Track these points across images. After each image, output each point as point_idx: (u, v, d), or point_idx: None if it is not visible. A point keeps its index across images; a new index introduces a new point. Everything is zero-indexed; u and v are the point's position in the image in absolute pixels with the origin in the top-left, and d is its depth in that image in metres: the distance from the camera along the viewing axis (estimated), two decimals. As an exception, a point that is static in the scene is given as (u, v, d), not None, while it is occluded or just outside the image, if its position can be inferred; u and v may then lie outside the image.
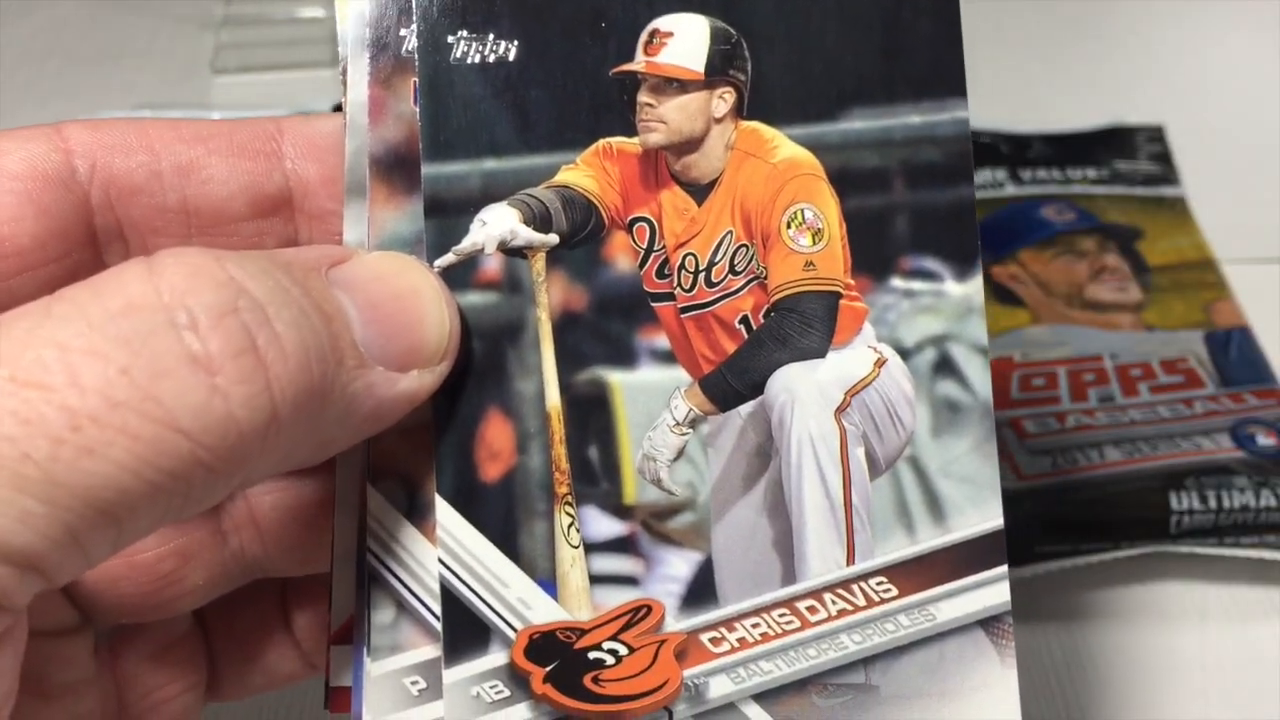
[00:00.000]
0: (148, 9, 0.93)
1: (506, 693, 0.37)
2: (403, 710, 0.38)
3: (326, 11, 0.94)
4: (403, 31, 0.39)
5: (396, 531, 0.38)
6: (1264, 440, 0.63)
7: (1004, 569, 0.37)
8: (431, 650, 0.38)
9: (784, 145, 0.38)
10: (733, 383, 0.38)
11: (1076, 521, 0.61)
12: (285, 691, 0.55)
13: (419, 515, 0.38)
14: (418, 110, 0.38)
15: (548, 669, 0.37)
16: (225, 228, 0.41)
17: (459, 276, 0.38)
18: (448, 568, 0.37)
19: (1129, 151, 0.80)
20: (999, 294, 0.72)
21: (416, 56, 0.38)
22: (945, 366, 0.39)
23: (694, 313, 0.39)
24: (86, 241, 0.40)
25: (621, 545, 0.38)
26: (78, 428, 0.29)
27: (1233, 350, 0.69)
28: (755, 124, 0.39)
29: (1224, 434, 0.63)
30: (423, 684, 0.38)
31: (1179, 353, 0.68)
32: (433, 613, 0.38)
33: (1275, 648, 0.59)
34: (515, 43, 0.38)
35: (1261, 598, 0.61)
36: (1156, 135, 0.81)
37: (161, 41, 0.92)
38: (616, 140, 0.38)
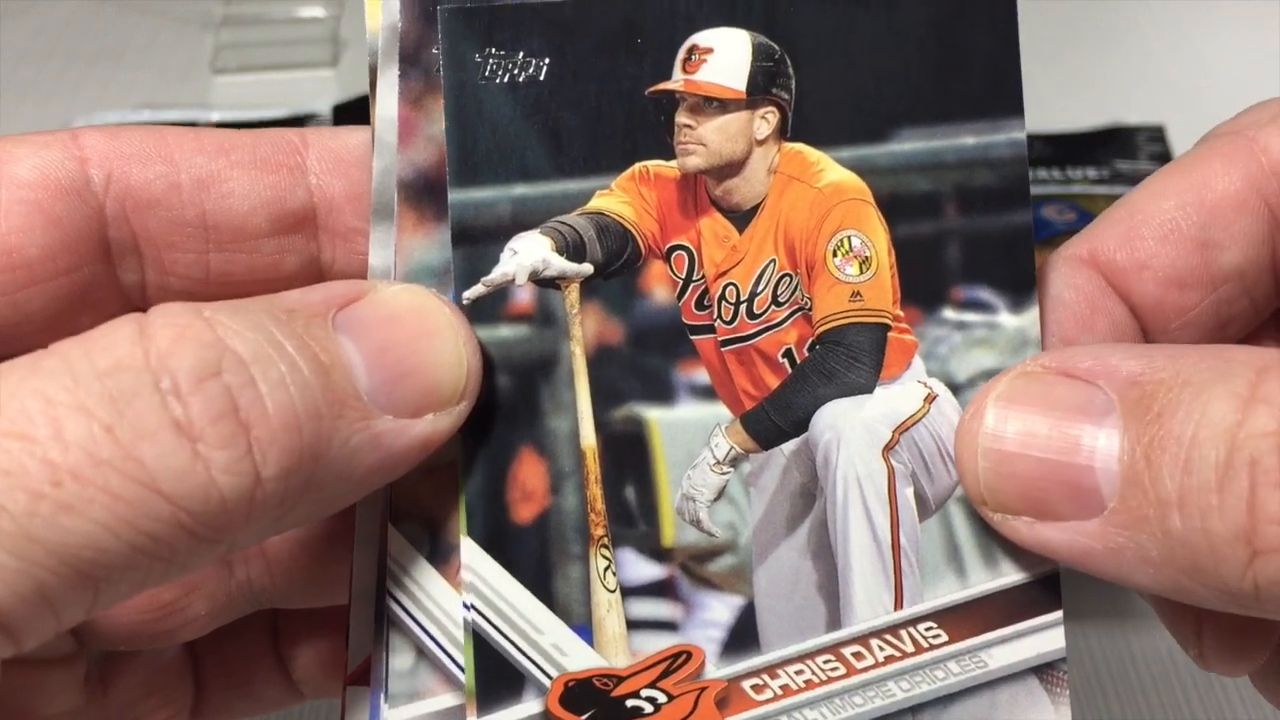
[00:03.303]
0: (148, 9, 0.93)
1: (544, 741, 0.35)
2: None
3: (326, 11, 0.94)
4: (435, 49, 0.37)
5: (418, 574, 0.37)
6: None
7: (1059, 614, 0.36)
8: (452, 699, 0.37)
9: (830, 168, 0.37)
10: (776, 420, 0.37)
11: None
12: None
13: (441, 558, 0.37)
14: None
15: (584, 717, 0.35)
16: (245, 244, 0.39)
17: (489, 308, 0.36)
18: (479, 613, 0.36)
19: (1129, 151, 0.79)
20: None
21: (440, 75, 0.37)
22: (998, 402, 0.37)
23: (735, 346, 0.37)
24: (99, 255, 0.38)
25: (660, 589, 0.36)
26: (58, 483, 0.28)
27: None
28: (799, 146, 0.37)
29: None
30: None
31: None
32: (454, 660, 0.36)
33: None
34: (546, 61, 0.37)
35: None
36: (1157, 135, 0.80)
37: (161, 41, 0.91)
38: (653, 164, 0.37)
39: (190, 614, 0.42)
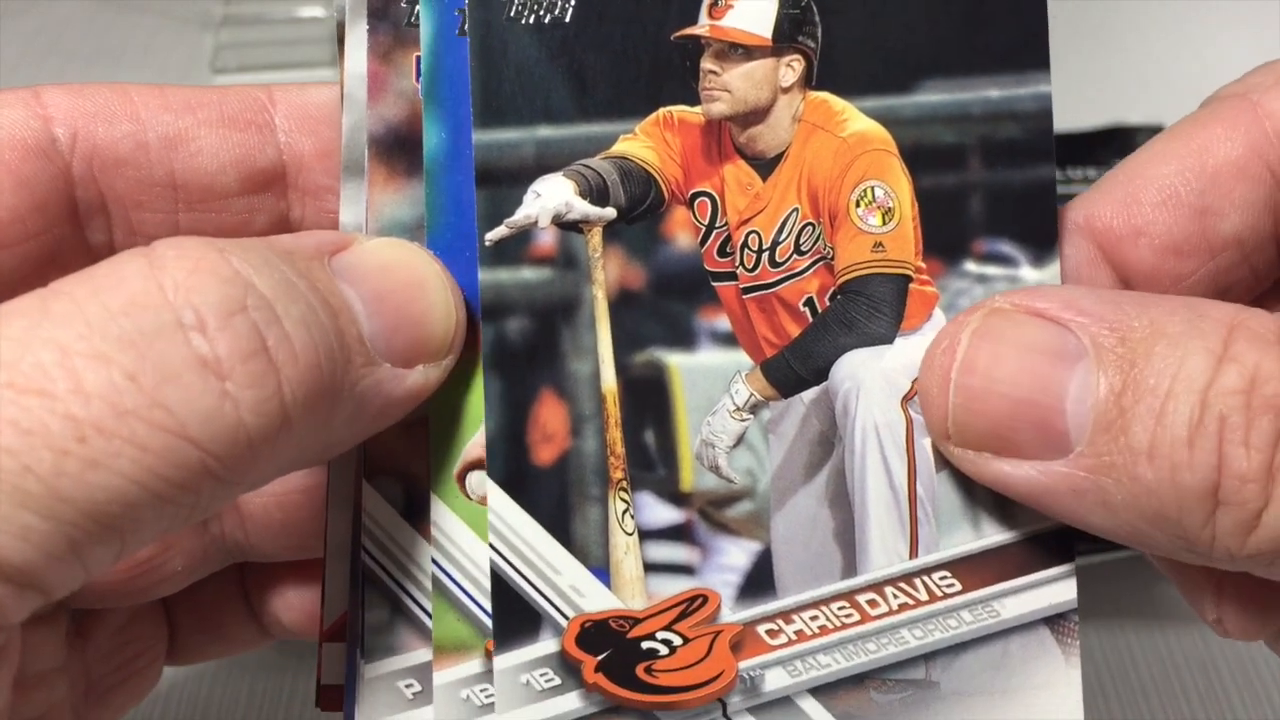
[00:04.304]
0: (148, 9, 0.92)
1: (557, 681, 0.36)
2: (396, 713, 0.37)
3: (326, 11, 0.93)
4: (403, 2, 0.37)
5: (392, 530, 0.37)
6: None
7: (1071, 566, 0.36)
8: (426, 653, 0.37)
9: (854, 118, 0.37)
10: (796, 368, 0.37)
11: None
12: (277, 688, 0.56)
13: (416, 514, 0.37)
14: (419, 87, 0.36)
15: (600, 658, 0.36)
16: (214, 203, 0.39)
17: (511, 250, 0.36)
18: (499, 553, 0.36)
19: (1129, 151, 0.78)
20: None
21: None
22: (1017, 356, 0.37)
23: (757, 294, 0.37)
24: (67, 216, 0.38)
25: (677, 533, 0.37)
26: (83, 439, 0.27)
27: None
28: (824, 95, 0.37)
29: None
30: (417, 687, 0.37)
31: None
32: (428, 614, 0.37)
33: None
34: (572, 2, 0.36)
35: None
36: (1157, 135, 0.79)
37: (161, 41, 0.90)
38: (678, 109, 0.37)
39: (167, 571, 0.41)
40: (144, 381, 0.28)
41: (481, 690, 0.36)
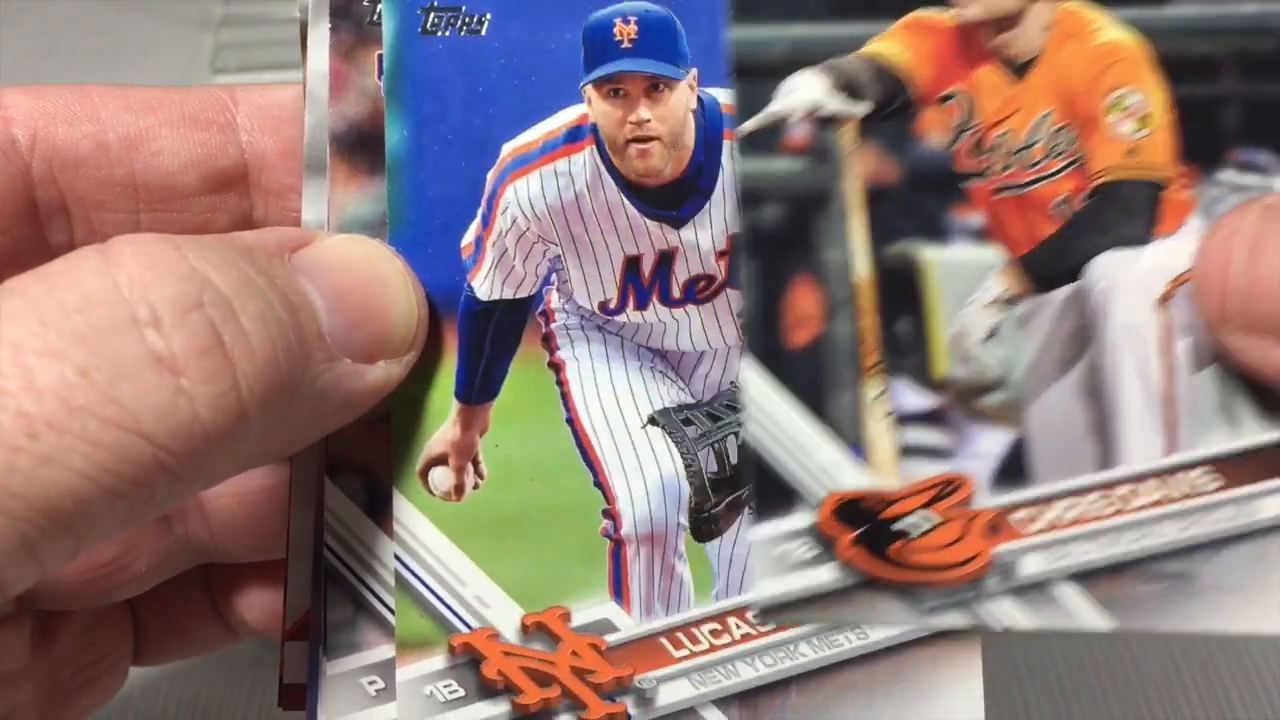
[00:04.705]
0: (148, 9, 0.92)
1: (813, 553, 0.35)
2: (359, 711, 0.36)
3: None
4: (365, 1, 0.37)
5: (355, 527, 0.37)
6: None
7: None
8: (389, 650, 0.36)
9: (1107, 27, 0.37)
10: (1051, 265, 0.37)
11: None
12: (238, 687, 0.54)
13: (378, 510, 0.37)
14: (381, 85, 0.37)
15: (856, 533, 0.35)
16: (175, 203, 0.39)
17: (765, 141, 0.37)
18: (760, 427, 0.35)
19: None
20: None
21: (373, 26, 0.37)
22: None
23: (1009, 193, 0.37)
24: (27, 216, 0.38)
25: (932, 419, 0.36)
26: (34, 434, 0.27)
27: None
28: (1076, 4, 0.38)
29: None
30: (380, 684, 0.36)
31: None
32: (391, 610, 0.36)
33: (1276, 648, 0.57)
34: (825, -98, 0.37)
35: None
36: None
37: (161, 41, 0.90)
38: (931, 12, 0.37)
39: (131, 572, 0.41)
40: (97, 377, 0.28)
41: (445, 686, 0.36)
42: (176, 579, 0.44)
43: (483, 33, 0.37)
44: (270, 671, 0.38)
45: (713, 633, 0.37)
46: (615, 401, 0.38)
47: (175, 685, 0.55)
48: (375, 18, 0.37)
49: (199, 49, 0.89)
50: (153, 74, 0.88)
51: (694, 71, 0.37)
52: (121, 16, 0.92)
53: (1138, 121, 0.37)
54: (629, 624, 0.37)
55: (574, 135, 0.37)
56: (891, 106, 0.37)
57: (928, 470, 0.36)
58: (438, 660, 0.36)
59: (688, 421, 0.38)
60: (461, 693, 0.36)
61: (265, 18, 0.92)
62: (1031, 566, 0.35)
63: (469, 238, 0.37)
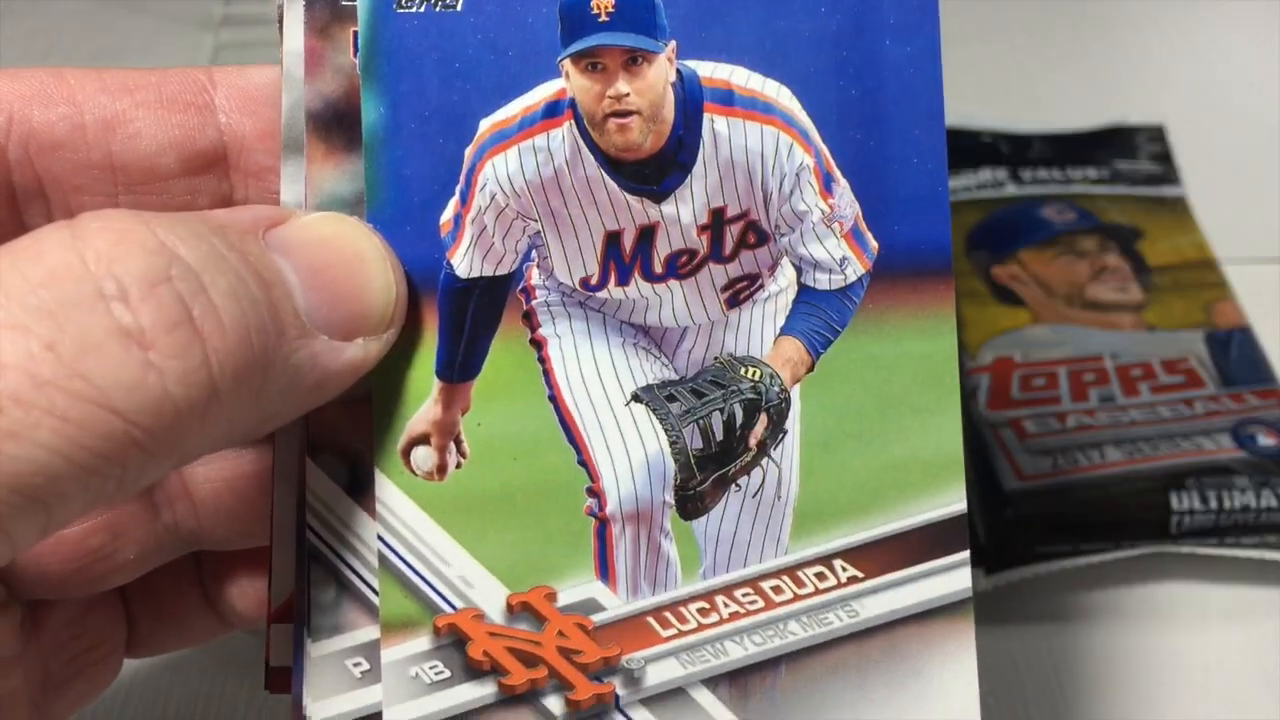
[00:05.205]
0: (148, 9, 0.92)
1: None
2: (344, 692, 0.36)
3: None
4: None
5: (337, 507, 0.37)
6: (1265, 440, 0.63)
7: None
8: (373, 631, 0.37)
9: None
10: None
11: (1077, 521, 0.60)
12: (225, 673, 0.55)
13: (360, 490, 0.37)
14: (356, 62, 0.37)
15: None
16: (154, 185, 0.39)
17: None
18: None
19: (1129, 151, 0.80)
20: (999, 294, 0.72)
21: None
22: None
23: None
24: (4, 200, 0.38)
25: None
26: (0, 410, 0.27)
27: (1233, 350, 0.69)
28: None
29: (1225, 434, 0.63)
30: (365, 665, 0.36)
31: (1180, 353, 0.68)
32: (375, 591, 0.37)
33: (1275, 648, 0.58)
34: None
35: (1262, 598, 0.61)
36: (1157, 135, 0.82)
37: (161, 41, 0.90)
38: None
39: (119, 560, 0.41)
40: (63, 352, 0.28)
41: (430, 667, 0.36)
42: (167, 568, 0.43)
43: (458, 8, 0.37)
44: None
45: (701, 611, 0.37)
46: (598, 378, 0.38)
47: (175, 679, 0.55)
48: (346, -1, 0.36)
49: (199, 49, 0.89)
50: (152, 74, 0.87)
51: (673, 44, 0.37)
52: (121, 16, 0.91)
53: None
54: (616, 604, 0.37)
55: (552, 110, 0.37)
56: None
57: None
58: (423, 641, 0.36)
59: (672, 398, 0.38)
60: (447, 674, 0.36)
61: (265, 18, 0.92)
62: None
63: (448, 215, 0.37)
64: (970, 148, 0.80)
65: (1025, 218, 0.77)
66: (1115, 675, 0.58)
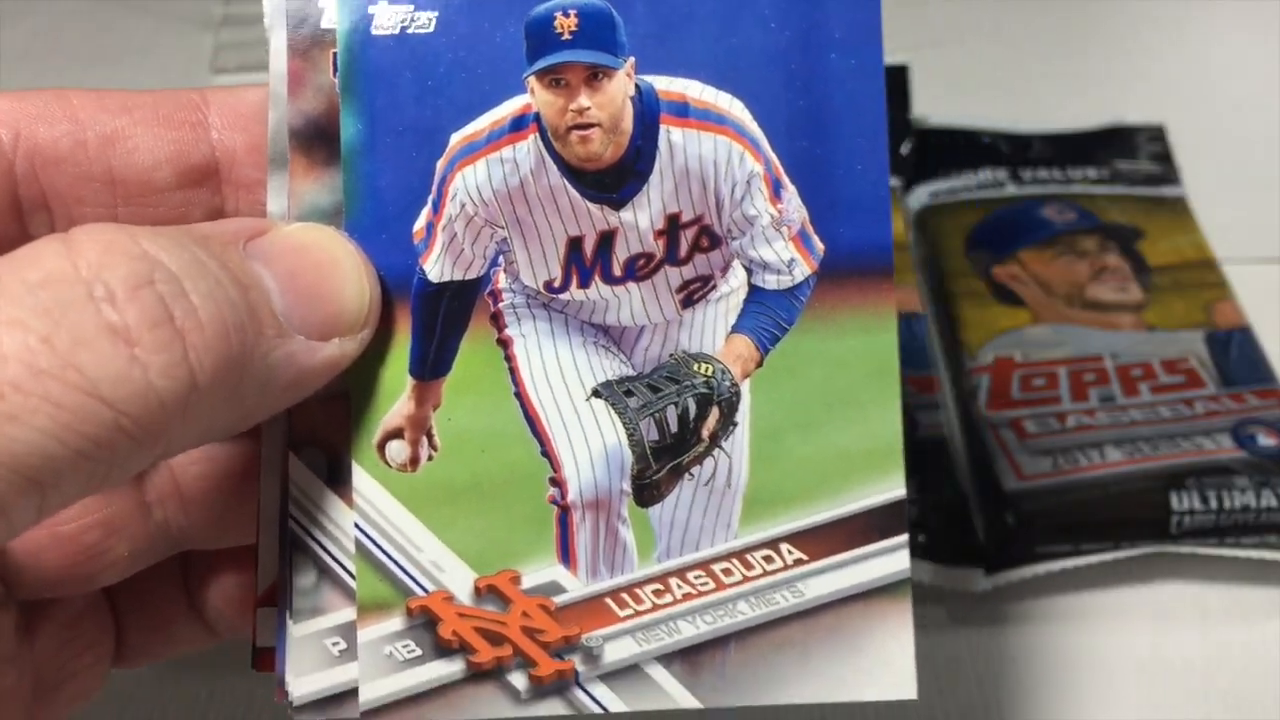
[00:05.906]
0: (148, 9, 0.92)
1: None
2: (323, 670, 0.39)
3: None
4: (320, 3, 0.40)
5: (317, 498, 0.39)
6: (1265, 440, 0.63)
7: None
8: (350, 613, 0.39)
9: None
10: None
11: (1076, 521, 0.60)
12: (224, 673, 0.57)
13: (338, 481, 0.39)
14: (336, 82, 0.39)
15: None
16: (151, 198, 0.41)
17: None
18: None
19: (1129, 151, 0.80)
20: (999, 294, 0.72)
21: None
22: None
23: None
24: (11, 212, 0.40)
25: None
26: (0, 396, 0.29)
27: (1233, 350, 0.69)
28: None
29: (1225, 434, 0.63)
30: (342, 644, 0.39)
31: (1180, 353, 0.68)
32: (351, 575, 0.39)
33: (1275, 648, 0.58)
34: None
35: (1262, 598, 0.60)
36: (1157, 135, 0.81)
37: (161, 41, 0.91)
38: None
39: (112, 556, 0.42)
40: (57, 345, 0.30)
41: (403, 646, 0.39)
42: (154, 573, 0.45)
43: (430, 30, 0.39)
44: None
45: (655, 593, 0.39)
46: (561, 375, 0.40)
47: (174, 680, 0.56)
48: (329, 23, 0.39)
49: (199, 49, 0.90)
50: (153, 74, 0.87)
51: (632, 60, 0.39)
52: (121, 16, 0.92)
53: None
54: (576, 586, 0.39)
55: (518, 124, 0.39)
56: None
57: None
58: (396, 622, 0.39)
59: (629, 393, 0.40)
60: (419, 652, 0.39)
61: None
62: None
63: (420, 223, 0.39)
64: (970, 148, 0.81)
65: (1025, 218, 0.77)
66: (1115, 675, 0.58)
